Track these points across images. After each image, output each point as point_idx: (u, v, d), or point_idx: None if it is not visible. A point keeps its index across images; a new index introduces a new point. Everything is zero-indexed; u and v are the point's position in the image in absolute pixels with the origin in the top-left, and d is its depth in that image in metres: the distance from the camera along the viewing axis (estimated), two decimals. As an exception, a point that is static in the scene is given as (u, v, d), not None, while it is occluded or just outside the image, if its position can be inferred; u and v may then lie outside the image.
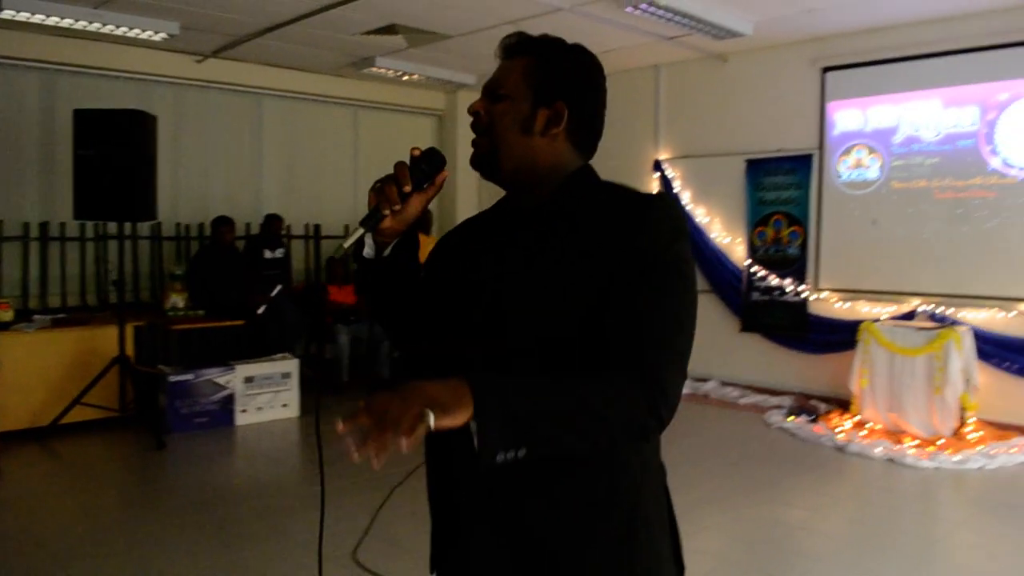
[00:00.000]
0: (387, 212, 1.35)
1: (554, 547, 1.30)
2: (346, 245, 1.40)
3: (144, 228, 7.58)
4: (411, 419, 1.04)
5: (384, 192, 1.34)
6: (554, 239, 1.33)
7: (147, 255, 7.75)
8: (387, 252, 1.43)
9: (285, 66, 8.34)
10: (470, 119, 1.41)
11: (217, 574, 3.67)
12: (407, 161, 1.38)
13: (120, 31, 6.59)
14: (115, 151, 5.61)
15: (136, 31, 6.62)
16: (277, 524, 4.29)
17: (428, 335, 1.46)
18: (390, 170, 1.37)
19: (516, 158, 1.38)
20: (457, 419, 1.08)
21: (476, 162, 1.41)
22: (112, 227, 7.26)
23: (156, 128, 6.01)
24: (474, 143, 1.41)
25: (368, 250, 1.43)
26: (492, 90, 1.40)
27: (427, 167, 1.38)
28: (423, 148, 1.41)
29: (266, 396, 6.45)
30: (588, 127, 1.42)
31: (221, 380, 6.21)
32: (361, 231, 1.37)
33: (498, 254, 1.38)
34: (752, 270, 7.50)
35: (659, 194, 1.32)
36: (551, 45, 1.41)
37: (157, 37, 6.80)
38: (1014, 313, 6.04)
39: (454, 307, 1.40)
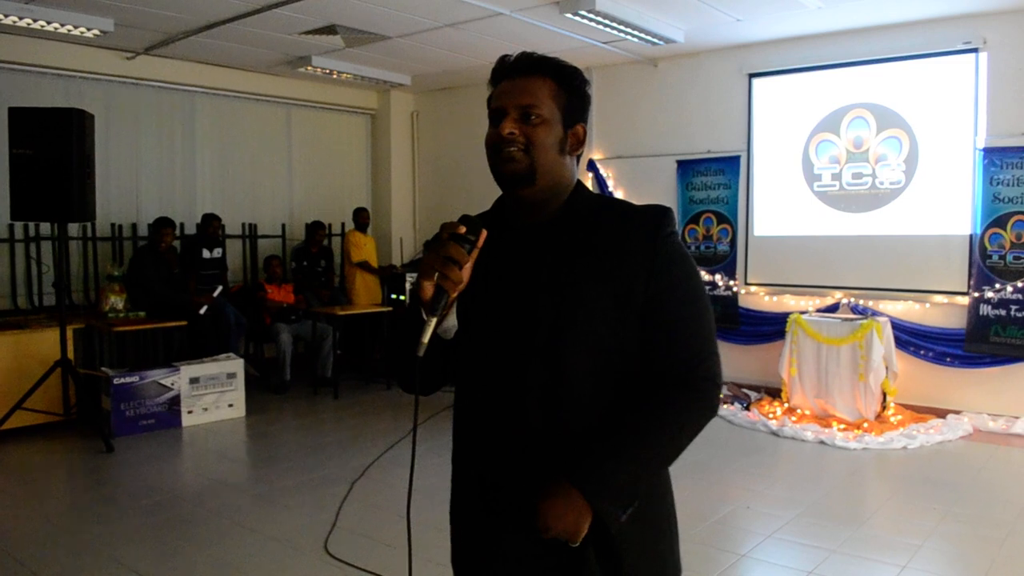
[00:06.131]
0: (455, 294, 1.44)
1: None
2: (424, 340, 1.40)
3: (74, 228, 7.39)
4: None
5: (450, 278, 1.41)
6: (584, 256, 1.48)
7: (78, 256, 7.57)
8: (448, 321, 1.51)
9: (218, 64, 8.27)
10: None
11: (194, 570, 3.70)
12: (453, 241, 1.43)
13: (52, 27, 6.43)
14: (52, 150, 5.51)
15: (68, 27, 6.47)
16: (240, 520, 4.33)
17: (472, 360, 1.55)
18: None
19: (550, 175, 1.52)
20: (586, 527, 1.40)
21: (514, 177, 1.51)
22: (45, 227, 7.09)
23: (94, 127, 5.91)
24: (509, 158, 1.50)
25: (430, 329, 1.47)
26: (524, 112, 1.50)
27: (474, 237, 1.44)
28: (457, 220, 1.46)
29: (211, 396, 6.41)
30: (585, 144, 1.61)
31: (166, 381, 6.15)
32: (434, 320, 1.41)
33: (533, 273, 1.50)
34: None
35: (663, 208, 1.53)
36: (565, 69, 1.55)
37: (90, 33, 6.67)
38: (928, 305, 6.50)
39: (502, 328, 1.50)
